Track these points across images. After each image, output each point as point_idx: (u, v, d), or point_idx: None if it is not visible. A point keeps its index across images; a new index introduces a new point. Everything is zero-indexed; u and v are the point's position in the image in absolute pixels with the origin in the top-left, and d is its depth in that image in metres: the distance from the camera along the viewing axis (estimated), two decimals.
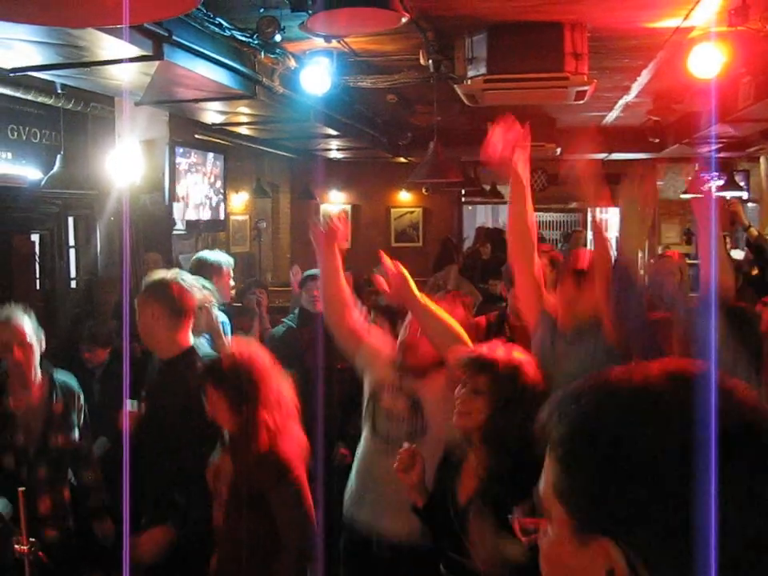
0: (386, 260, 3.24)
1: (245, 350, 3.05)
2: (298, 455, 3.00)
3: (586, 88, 5.33)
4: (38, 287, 6.36)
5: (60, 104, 5.70)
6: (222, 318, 4.75)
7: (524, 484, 2.28)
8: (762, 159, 11.06)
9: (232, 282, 5.33)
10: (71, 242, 6.72)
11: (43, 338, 3.72)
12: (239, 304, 6.33)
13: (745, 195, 11.71)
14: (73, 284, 6.76)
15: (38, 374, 3.66)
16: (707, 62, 5.00)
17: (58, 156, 5.75)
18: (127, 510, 2.07)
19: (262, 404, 2.93)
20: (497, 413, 2.45)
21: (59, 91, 5.49)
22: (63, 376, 3.84)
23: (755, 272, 6.07)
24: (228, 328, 4.83)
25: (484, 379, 2.51)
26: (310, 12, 3.80)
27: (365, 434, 3.46)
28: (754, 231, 6.42)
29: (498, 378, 2.48)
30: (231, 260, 5.33)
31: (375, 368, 3.48)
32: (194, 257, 5.41)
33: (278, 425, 2.95)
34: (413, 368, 3.33)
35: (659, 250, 12.94)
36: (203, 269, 5.00)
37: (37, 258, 6.33)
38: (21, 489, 2.76)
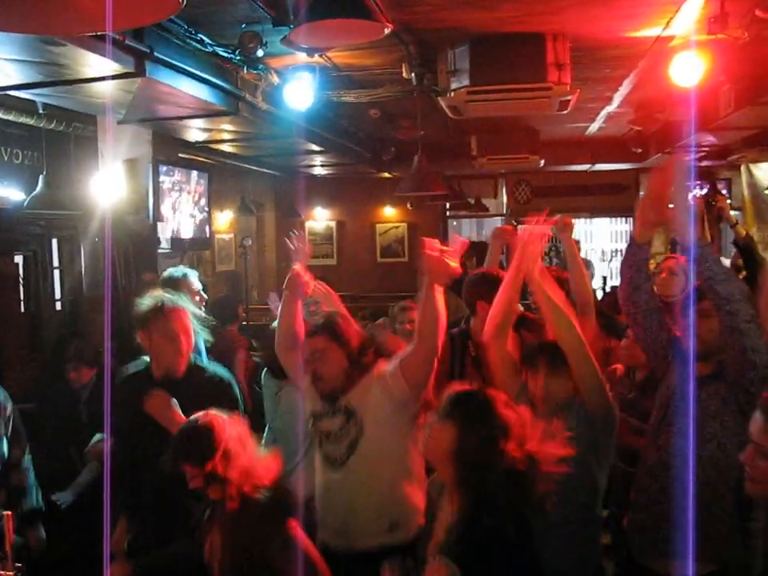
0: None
1: (202, 416, 3.00)
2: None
3: (568, 98, 5.34)
4: (22, 309, 6.30)
5: (42, 124, 5.67)
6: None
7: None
8: (742, 168, 11.13)
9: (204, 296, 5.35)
10: (55, 263, 6.66)
11: None
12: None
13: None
14: (58, 305, 6.70)
15: None
16: (688, 70, 5.03)
17: (41, 177, 5.71)
18: (108, 531, 2.02)
19: (233, 462, 2.89)
20: (464, 440, 2.38)
21: (41, 111, 5.46)
22: None
23: (742, 275, 6.03)
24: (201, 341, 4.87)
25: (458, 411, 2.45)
26: (292, 27, 3.80)
27: (318, 462, 3.51)
28: (741, 229, 6.32)
29: (469, 409, 2.44)
30: (196, 273, 5.36)
31: (309, 392, 3.53)
32: (161, 276, 5.44)
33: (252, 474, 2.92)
34: (326, 388, 3.40)
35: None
36: (170, 287, 4.97)
37: (21, 280, 6.27)
38: (6, 513, 2.70)
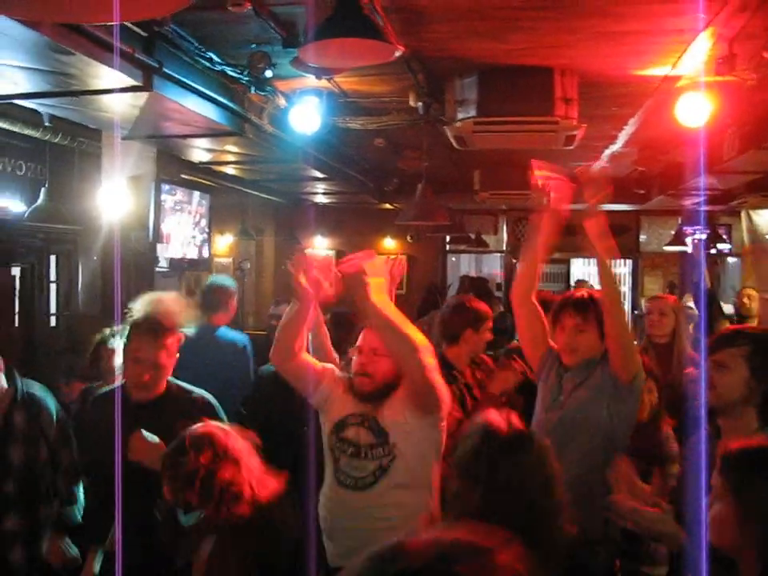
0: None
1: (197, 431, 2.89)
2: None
3: (575, 132, 5.35)
4: (16, 322, 6.25)
5: (47, 137, 5.66)
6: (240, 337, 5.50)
7: None
8: (743, 214, 11.14)
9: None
10: (52, 277, 6.62)
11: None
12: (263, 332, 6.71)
13: (727, 249, 11.82)
14: (52, 320, 6.65)
15: None
16: (694, 111, 5.03)
17: (43, 189, 5.70)
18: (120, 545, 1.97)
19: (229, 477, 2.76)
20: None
21: (47, 124, 5.45)
22: (35, 389, 3.73)
23: None
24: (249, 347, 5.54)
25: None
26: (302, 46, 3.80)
27: (328, 480, 3.30)
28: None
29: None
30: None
31: (334, 400, 3.33)
32: (214, 281, 5.94)
33: (253, 488, 2.80)
34: (370, 387, 3.22)
35: (642, 303, 12.98)
36: (224, 294, 5.63)
37: (17, 292, 6.23)
38: None
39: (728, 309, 9.58)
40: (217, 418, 3.45)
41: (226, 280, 5.86)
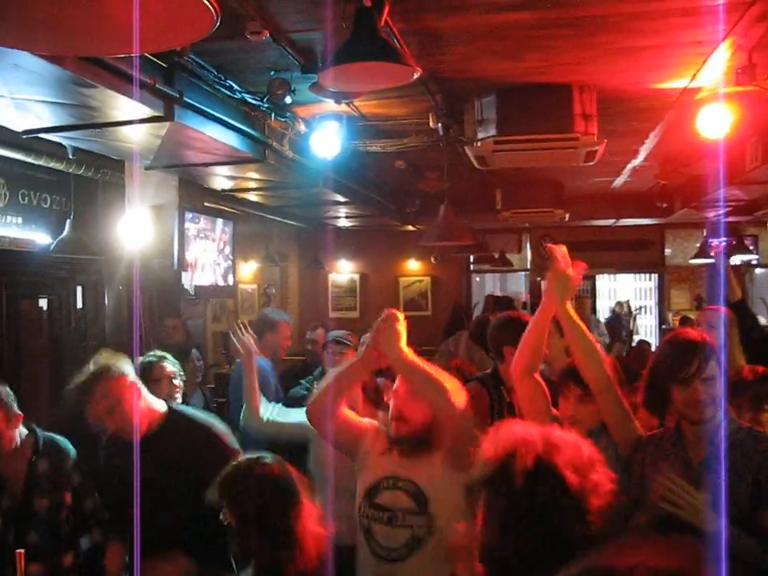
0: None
1: (260, 464, 2.75)
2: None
3: (596, 148, 5.34)
4: (46, 353, 6.30)
5: (71, 170, 5.73)
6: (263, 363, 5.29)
7: None
8: None
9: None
10: (79, 307, 6.67)
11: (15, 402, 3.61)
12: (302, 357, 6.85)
13: (755, 259, 11.70)
14: (80, 350, 6.69)
15: (17, 437, 3.55)
16: (715, 123, 5.01)
17: (68, 221, 5.75)
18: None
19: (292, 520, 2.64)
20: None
21: (71, 156, 5.51)
22: (56, 437, 3.73)
23: None
24: (271, 376, 5.44)
25: None
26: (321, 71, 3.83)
27: (361, 552, 3.08)
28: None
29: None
30: (288, 317, 6.17)
31: (371, 459, 3.15)
32: (262, 312, 6.59)
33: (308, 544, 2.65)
34: (406, 431, 3.07)
35: (669, 317, 12.87)
36: (260, 324, 5.76)
37: (45, 323, 6.28)
38: (20, 551, 2.64)
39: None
40: (220, 442, 3.45)
41: (273, 312, 6.26)
